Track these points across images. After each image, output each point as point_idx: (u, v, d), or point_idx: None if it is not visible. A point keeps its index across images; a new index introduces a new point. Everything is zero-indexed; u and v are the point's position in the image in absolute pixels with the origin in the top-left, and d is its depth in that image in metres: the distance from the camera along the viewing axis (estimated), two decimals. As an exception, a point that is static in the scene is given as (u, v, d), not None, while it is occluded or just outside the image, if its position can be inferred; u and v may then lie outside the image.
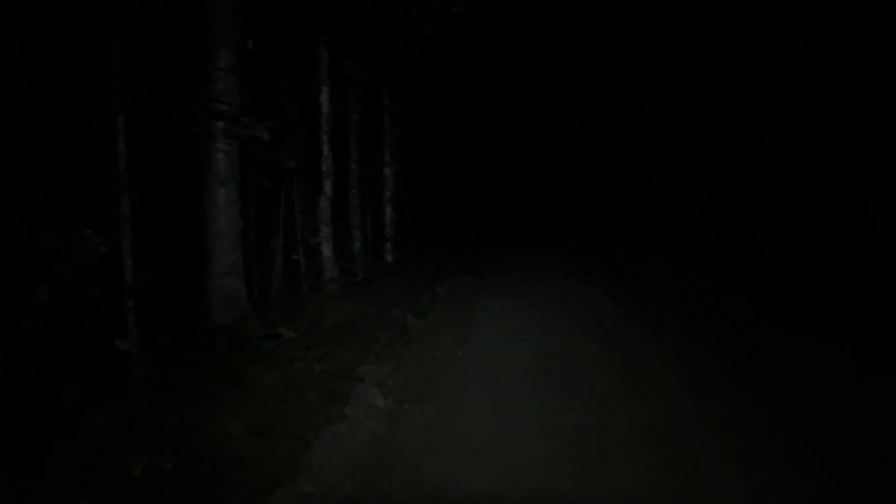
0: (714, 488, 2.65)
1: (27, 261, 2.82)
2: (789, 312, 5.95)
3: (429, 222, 16.76)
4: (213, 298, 4.72)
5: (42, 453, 2.66)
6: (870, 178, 7.84)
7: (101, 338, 3.36)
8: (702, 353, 4.74)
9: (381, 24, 5.69)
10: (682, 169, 13.29)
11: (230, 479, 2.69)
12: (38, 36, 3.93)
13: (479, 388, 4.14)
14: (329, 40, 5.38)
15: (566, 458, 2.95)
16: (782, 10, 9.31)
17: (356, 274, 6.42)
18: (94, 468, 2.68)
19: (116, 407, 3.20)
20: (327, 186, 6.07)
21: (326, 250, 6.13)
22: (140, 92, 3.66)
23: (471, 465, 2.92)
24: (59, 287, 2.81)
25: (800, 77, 8.81)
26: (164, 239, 4.80)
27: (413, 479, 2.83)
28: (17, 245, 2.93)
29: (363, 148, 8.56)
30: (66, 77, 4.08)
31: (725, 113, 11.54)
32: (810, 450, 2.97)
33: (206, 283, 4.77)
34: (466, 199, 25.89)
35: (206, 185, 4.79)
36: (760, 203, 10.03)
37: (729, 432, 3.21)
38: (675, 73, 12.86)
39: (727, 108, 11.37)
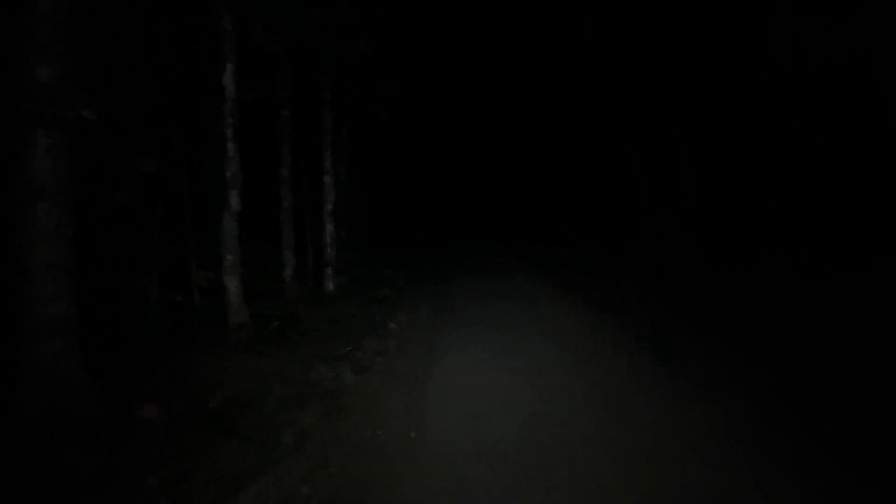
0: None
1: None
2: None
3: (385, 238, 15.26)
4: (23, 373, 3.04)
5: None
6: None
7: None
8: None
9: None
10: (662, 175, 12.27)
11: None
12: None
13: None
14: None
15: None
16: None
17: (271, 317, 4.78)
18: None
19: None
20: (233, 199, 4.44)
21: (232, 286, 4.49)
22: None
23: None
24: None
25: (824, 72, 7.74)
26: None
27: None
28: None
29: (298, 151, 6.97)
30: None
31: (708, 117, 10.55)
32: None
33: (15, 349, 3.09)
34: (429, 211, 24.50)
35: (17, 197, 3.13)
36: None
37: None
38: (653, 75, 11.85)
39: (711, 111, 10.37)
